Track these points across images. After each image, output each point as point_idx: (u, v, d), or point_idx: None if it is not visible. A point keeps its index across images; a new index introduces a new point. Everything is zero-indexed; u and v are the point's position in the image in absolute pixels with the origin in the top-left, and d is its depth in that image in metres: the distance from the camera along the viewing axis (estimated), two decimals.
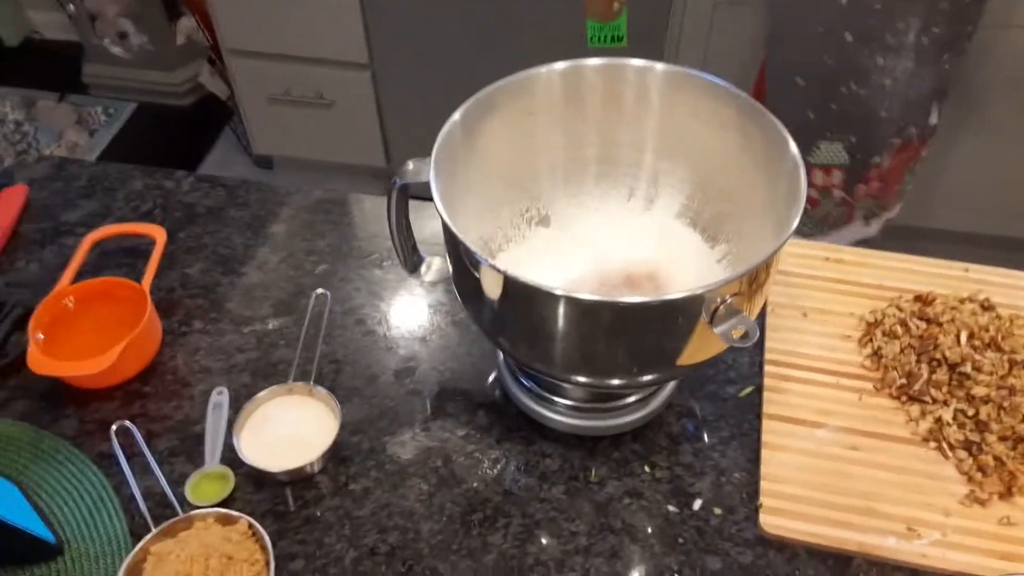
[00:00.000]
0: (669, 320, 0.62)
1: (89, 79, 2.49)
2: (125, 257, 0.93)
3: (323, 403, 0.77)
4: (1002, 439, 0.73)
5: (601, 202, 0.83)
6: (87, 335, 0.82)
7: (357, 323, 0.87)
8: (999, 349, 0.78)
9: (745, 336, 0.59)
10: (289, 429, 0.75)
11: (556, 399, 0.77)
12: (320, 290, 0.83)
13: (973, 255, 0.95)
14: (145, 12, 2.33)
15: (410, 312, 0.88)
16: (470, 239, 0.62)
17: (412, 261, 0.78)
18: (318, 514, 0.72)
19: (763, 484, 0.72)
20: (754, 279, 0.61)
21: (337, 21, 1.91)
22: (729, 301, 0.59)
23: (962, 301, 0.84)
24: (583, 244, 0.81)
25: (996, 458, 0.72)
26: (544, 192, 0.82)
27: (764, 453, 0.74)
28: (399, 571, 0.69)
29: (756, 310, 0.67)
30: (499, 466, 0.76)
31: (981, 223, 1.86)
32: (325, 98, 2.06)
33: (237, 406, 0.78)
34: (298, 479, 0.74)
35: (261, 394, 0.77)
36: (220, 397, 0.79)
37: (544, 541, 0.71)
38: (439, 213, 0.63)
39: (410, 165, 0.69)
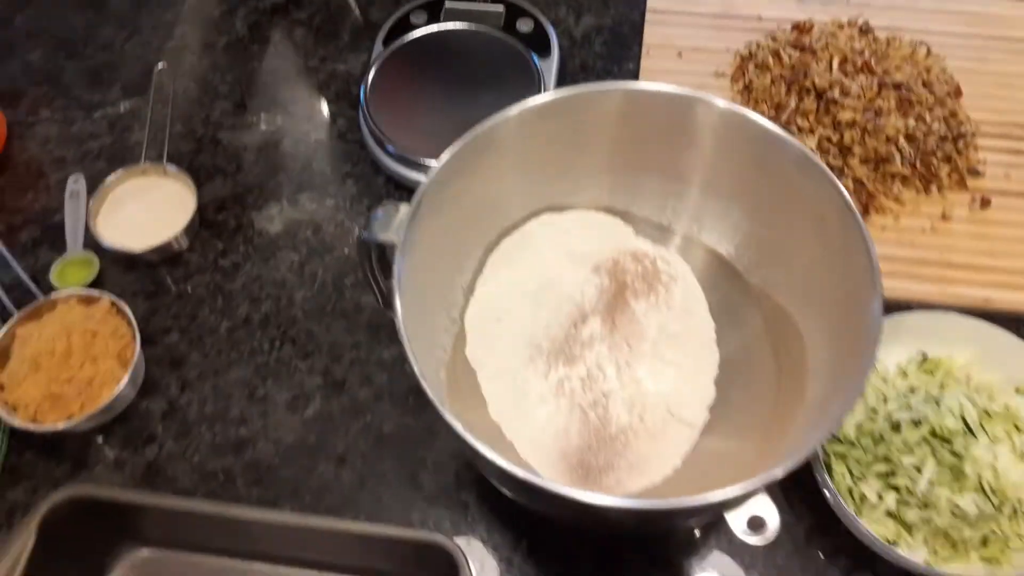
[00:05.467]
0: None
1: None
2: None
3: (178, 181, 0.75)
4: (864, 162, 0.73)
5: None
6: None
7: (215, 99, 0.83)
8: (871, 72, 0.76)
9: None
10: (146, 209, 0.74)
11: (424, 160, 0.75)
12: (161, 64, 0.78)
13: None
14: None
15: (272, 83, 0.84)
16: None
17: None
18: (189, 290, 0.73)
19: None
20: None
21: None
22: None
23: (840, 27, 0.81)
24: None
25: (856, 180, 0.73)
26: None
27: None
28: (273, 336, 0.70)
29: None
30: None
31: None
32: None
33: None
34: (166, 258, 0.74)
35: (112, 177, 0.74)
36: (76, 185, 0.76)
37: None
38: (400, 334, 0.48)
39: (379, 215, 0.54)
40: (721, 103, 0.56)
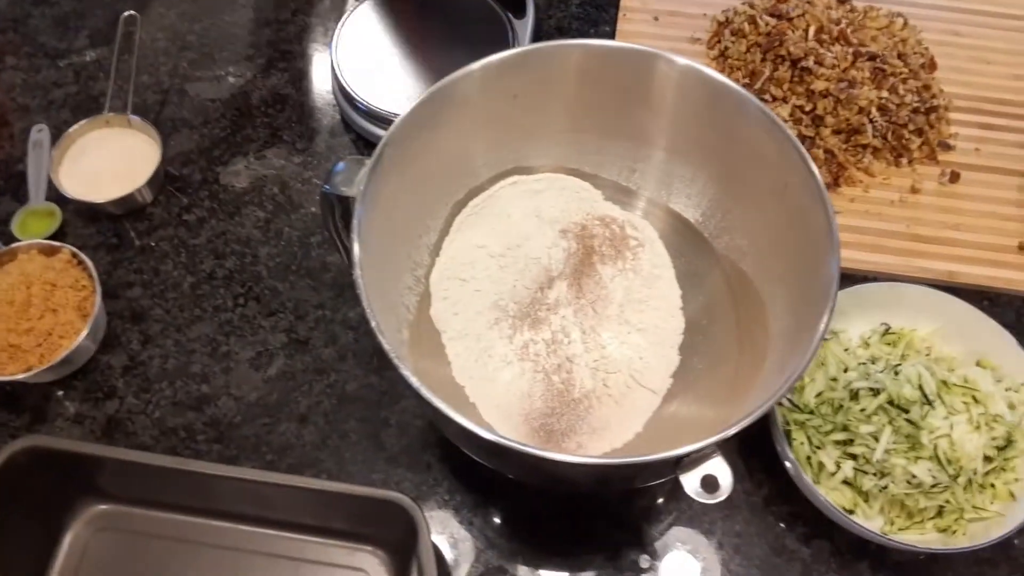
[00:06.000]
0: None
1: None
2: None
3: (143, 133, 0.73)
4: (836, 132, 0.73)
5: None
6: None
7: (182, 50, 0.81)
8: (847, 42, 0.76)
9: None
10: (110, 161, 0.72)
11: (393, 117, 0.74)
12: (128, 12, 0.76)
13: None
14: None
15: (241, 35, 0.82)
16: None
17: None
18: (153, 244, 0.71)
19: None
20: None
21: None
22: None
23: None
24: None
25: (827, 151, 0.73)
26: None
27: None
28: (238, 292, 0.69)
29: None
30: None
31: None
32: None
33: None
34: (130, 211, 0.72)
35: (75, 127, 0.72)
36: (40, 135, 0.75)
37: None
38: (356, 284, 0.48)
39: (340, 168, 0.53)
40: (681, 60, 0.55)
